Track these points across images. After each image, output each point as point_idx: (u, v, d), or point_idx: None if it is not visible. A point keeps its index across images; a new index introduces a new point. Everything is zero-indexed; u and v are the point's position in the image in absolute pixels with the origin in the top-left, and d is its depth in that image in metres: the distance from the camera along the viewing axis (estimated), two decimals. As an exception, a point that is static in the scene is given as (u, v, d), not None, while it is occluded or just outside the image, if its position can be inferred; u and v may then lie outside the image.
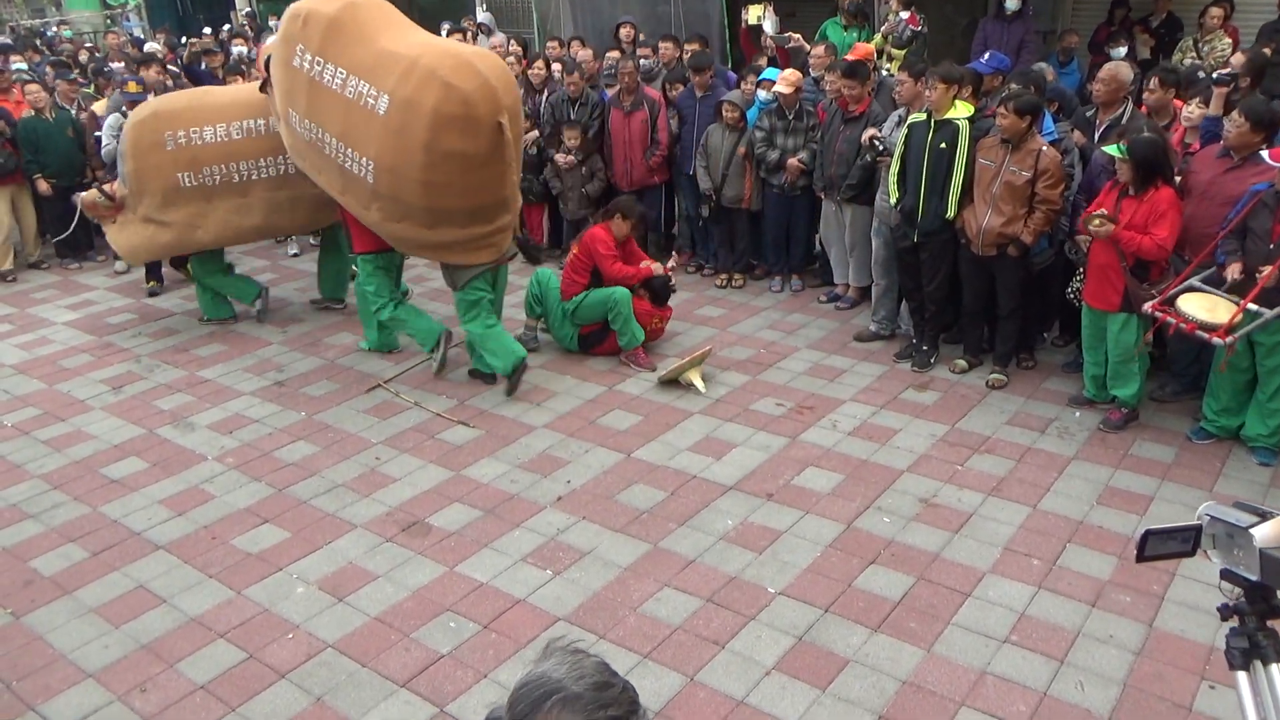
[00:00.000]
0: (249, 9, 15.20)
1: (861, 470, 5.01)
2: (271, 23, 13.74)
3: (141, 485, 5.04)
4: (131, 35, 13.71)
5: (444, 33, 9.86)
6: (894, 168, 6.01)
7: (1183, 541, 2.04)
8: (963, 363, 6.12)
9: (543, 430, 5.51)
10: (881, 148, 6.22)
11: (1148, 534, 2.03)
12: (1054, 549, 4.31)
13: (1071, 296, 5.64)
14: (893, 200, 6.04)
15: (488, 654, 3.76)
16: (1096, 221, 5.01)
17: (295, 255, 8.83)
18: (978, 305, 6.05)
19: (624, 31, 9.26)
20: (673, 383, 5.96)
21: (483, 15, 11.86)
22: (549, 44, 9.72)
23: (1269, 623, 2.07)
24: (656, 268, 6.51)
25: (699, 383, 5.90)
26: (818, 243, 7.54)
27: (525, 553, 4.39)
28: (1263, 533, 1.94)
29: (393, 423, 5.65)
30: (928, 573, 4.18)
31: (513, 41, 9.84)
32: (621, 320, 6.24)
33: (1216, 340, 4.55)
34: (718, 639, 3.82)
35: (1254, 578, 1.99)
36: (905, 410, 5.64)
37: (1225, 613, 2.12)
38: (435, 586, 4.17)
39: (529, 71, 8.59)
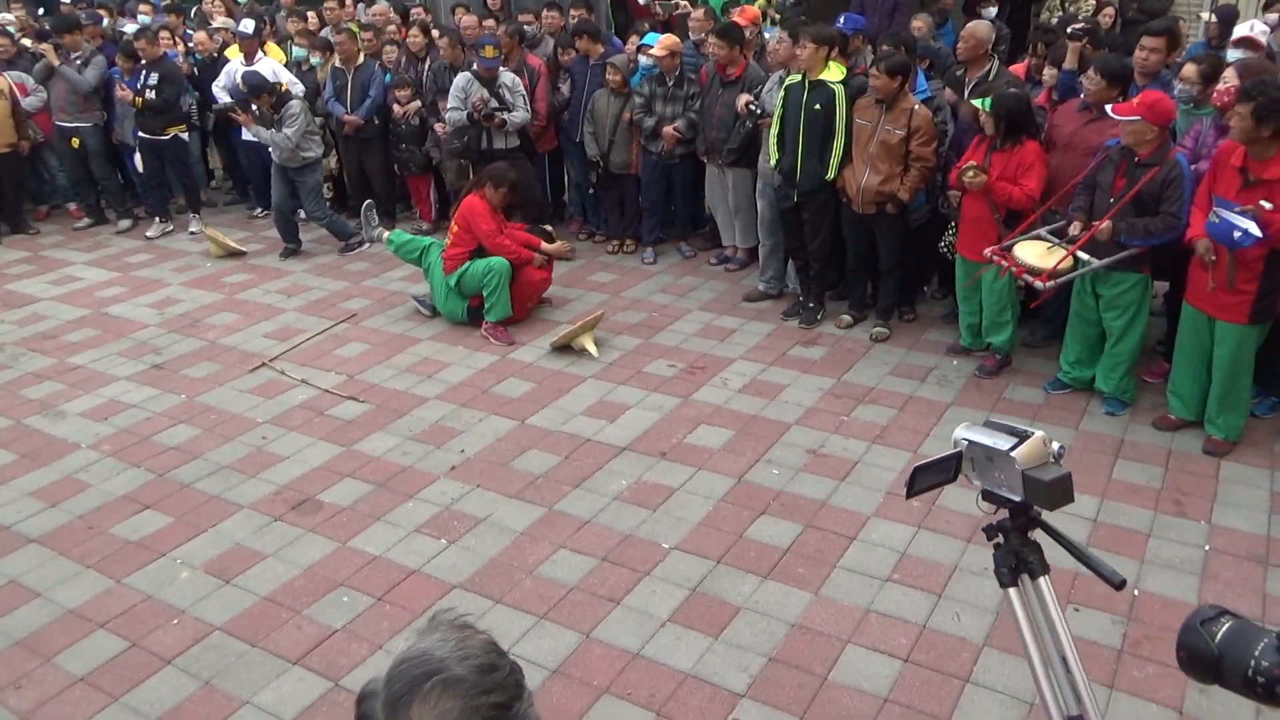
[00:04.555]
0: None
1: (751, 425, 5.12)
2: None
3: (10, 478, 4.81)
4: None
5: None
6: (773, 129, 6.11)
7: (943, 470, 2.08)
8: (847, 318, 6.29)
9: (435, 401, 5.46)
10: (760, 112, 6.31)
11: (916, 470, 2.06)
12: (933, 491, 4.48)
13: (945, 249, 5.85)
14: (773, 161, 6.14)
15: (382, 626, 3.74)
16: (971, 174, 5.20)
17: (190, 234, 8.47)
18: (860, 262, 6.22)
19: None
20: (565, 348, 5.98)
21: (363, -18, 11.48)
22: (414, 10, 9.44)
23: (1030, 535, 2.15)
24: (547, 249, 6.50)
25: (591, 348, 5.93)
26: (707, 206, 7.62)
27: (419, 523, 4.36)
28: (1022, 454, 2.00)
29: (279, 401, 5.51)
30: (815, 520, 4.32)
31: (391, 10, 9.58)
32: (493, 290, 6.17)
33: (1039, 284, 4.78)
34: (613, 596, 3.88)
35: (1017, 498, 2.04)
36: (793, 366, 5.78)
37: (990, 533, 2.19)
38: (327, 563, 4.12)
39: (407, 40, 8.39)
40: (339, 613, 3.82)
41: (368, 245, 7.94)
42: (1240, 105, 4.26)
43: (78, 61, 8.25)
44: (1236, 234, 4.23)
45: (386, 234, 6.91)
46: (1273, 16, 7.21)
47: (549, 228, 6.80)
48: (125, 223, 8.79)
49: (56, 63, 8.17)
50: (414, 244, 6.64)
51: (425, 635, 1.27)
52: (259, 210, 8.94)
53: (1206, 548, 4.05)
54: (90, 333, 6.54)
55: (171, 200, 8.80)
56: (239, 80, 7.74)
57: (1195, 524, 4.21)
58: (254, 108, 7.49)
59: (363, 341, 6.28)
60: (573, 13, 8.20)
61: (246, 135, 8.01)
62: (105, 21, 9.70)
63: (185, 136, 8.38)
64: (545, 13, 8.39)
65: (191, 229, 8.54)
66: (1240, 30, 6.19)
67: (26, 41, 8.94)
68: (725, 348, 6.05)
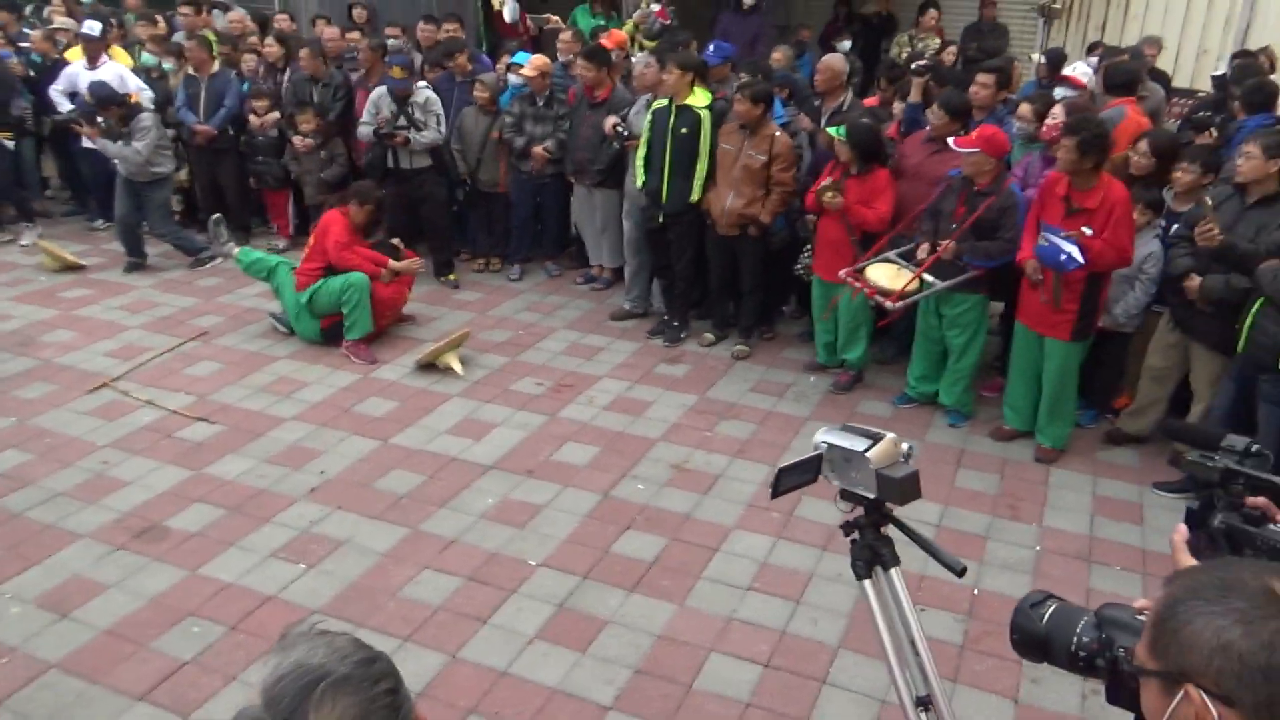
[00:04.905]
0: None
1: (618, 442, 5.19)
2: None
3: None
4: None
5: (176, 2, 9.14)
6: (641, 151, 6.23)
7: (806, 471, 2.21)
8: (710, 336, 6.46)
9: (292, 422, 5.30)
10: (626, 134, 6.42)
11: (781, 471, 2.18)
12: (791, 501, 4.65)
13: (801, 271, 6.09)
14: (639, 183, 6.26)
15: (236, 655, 3.60)
16: (829, 194, 5.43)
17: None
18: (723, 282, 6.40)
19: (356, 12, 8.97)
20: (430, 366, 5.90)
21: (218, -12, 11.07)
22: (277, 17, 9.22)
23: (882, 530, 2.31)
24: (395, 267, 6.34)
25: (457, 365, 5.88)
26: (574, 226, 7.68)
27: (275, 548, 4.22)
28: (875, 455, 2.16)
29: (122, 423, 5.23)
30: (679, 533, 4.41)
31: (248, 18, 9.28)
32: (353, 307, 6.03)
33: (889, 304, 5.08)
34: (479, 615, 3.85)
35: (872, 495, 2.20)
36: (658, 383, 5.89)
37: (847, 529, 2.34)
38: (174, 592, 3.93)
39: (264, 49, 8.15)
40: (188, 644, 3.65)
41: (220, 260, 7.63)
42: (1065, 138, 4.63)
43: None
44: (1062, 257, 4.59)
45: (236, 250, 6.65)
46: (1094, 59, 7.86)
47: (397, 243, 6.64)
48: (-55, 234, 8.17)
49: None
50: (262, 262, 6.42)
51: (287, 652, 1.22)
52: (99, 222, 8.47)
53: (1038, 548, 4.35)
54: (-94, 351, 6.04)
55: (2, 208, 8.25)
56: (85, 92, 7.33)
57: (1028, 527, 4.52)
58: (100, 120, 7.10)
59: (215, 360, 6.03)
60: (446, 27, 8.14)
61: (87, 142, 7.59)
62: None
63: (9, 144, 7.83)
64: (421, 26, 8.29)
65: (23, 241, 8.00)
66: (1065, 70, 6.73)
67: None
68: (592, 365, 6.10)
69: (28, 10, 10.48)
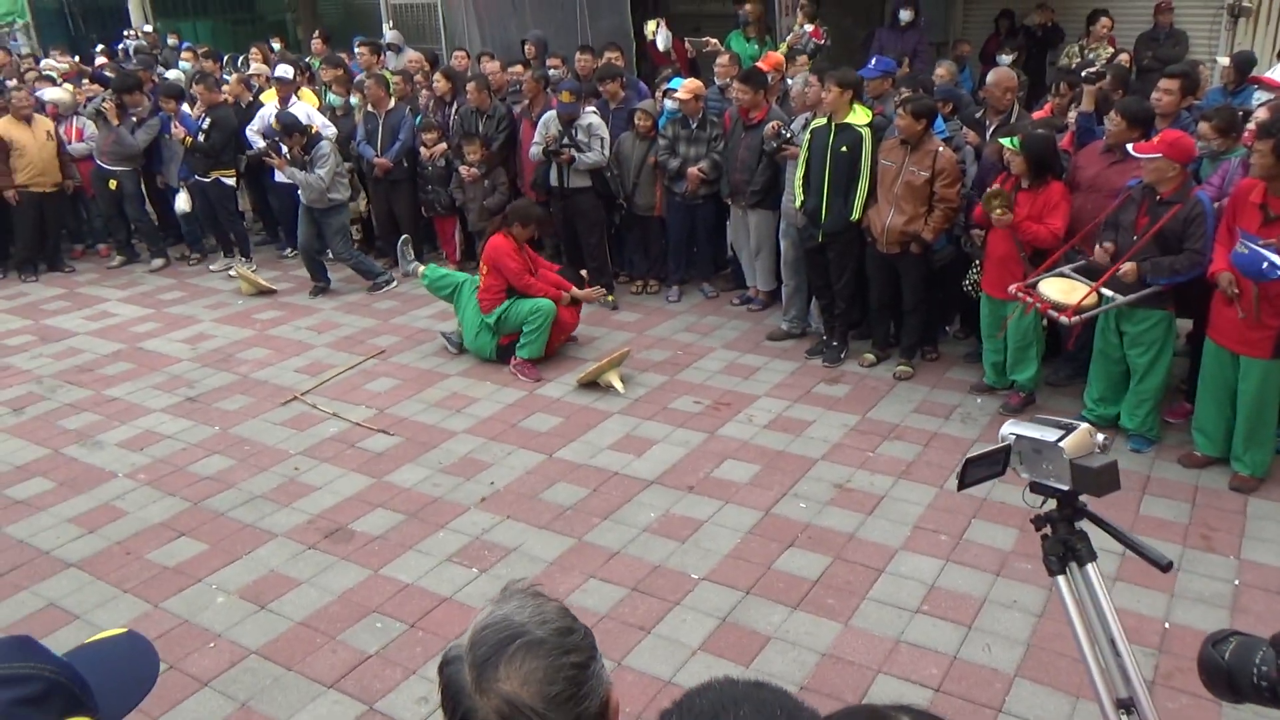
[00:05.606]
0: (148, 26, 14.80)
1: (778, 460, 5.16)
2: (171, 40, 13.46)
3: (48, 504, 4.90)
4: (19, 54, 13.18)
5: (355, 46, 9.84)
6: (799, 170, 6.22)
7: (994, 463, 2.13)
8: (871, 356, 6.34)
9: (464, 435, 5.53)
10: (788, 135, 6.41)
11: (968, 462, 2.11)
12: (960, 525, 4.51)
13: (969, 288, 5.91)
14: (797, 203, 6.25)
15: (415, 651, 3.78)
16: (998, 211, 5.26)
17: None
18: (884, 301, 6.28)
19: (527, 48, 9.38)
20: (592, 385, 6.05)
21: (391, 34, 11.79)
22: (455, 54, 9.77)
23: (1076, 525, 2.19)
24: (577, 294, 6.58)
25: (617, 384, 6.00)
26: (730, 248, 7.73)
27: (450, 553, 4.41)
28: (1069, 445, 2.05)
29: (311, 433, 5.60)
30: (843, 552, 4.34)
31: (423, 58, 9.85)
32: (534, 329, 6.26)
33: (1064, 319, 4.82)
34: (644, 625, 3.90)
35: (1066, 487, 2.09)
36: (818, 403, 5.83)
37: (1039, 524, 2.23)
38: (360, 589, 4.17)
39: (433, 85, 8.63)
40: (373, 638, 3.86)
41: (395, 284, 8.09)
42: (1259, 142, 4.34)
43: (132, 119, 8.53)
44: (1264, 265, 4.27)
45: (422, 268, 7.05)
46: (1290, 63, 7.34)
47: (584, 274, 6.93)
48: (158, 261, 9.00)
49: (115, 122, 8.47)
50: (449, 279, 6.77)
51: (501, 603, 1.33)
52: (289, 250, 9.14)
53: (1236, 582, 4.04)
54: (125, 366, 6.67)
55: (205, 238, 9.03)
56: (273, 120, 7.98)
57: (1224, 559, 4.21)
58: (284, 150, 7.70)
59: (392, 376, 6.38)
60: (608, 55, 8.42)
61: (279, 177, 8.23)
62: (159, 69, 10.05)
63: (230, 182, 8.60)
64: (579, 56, 8.60)
65: (231, 272, 8.70)
66: (1260, 73, 6.31)
67: (67, 86, 9.25)
68: (750, 385, 6.11)
69: (224, 60, 11.49)
